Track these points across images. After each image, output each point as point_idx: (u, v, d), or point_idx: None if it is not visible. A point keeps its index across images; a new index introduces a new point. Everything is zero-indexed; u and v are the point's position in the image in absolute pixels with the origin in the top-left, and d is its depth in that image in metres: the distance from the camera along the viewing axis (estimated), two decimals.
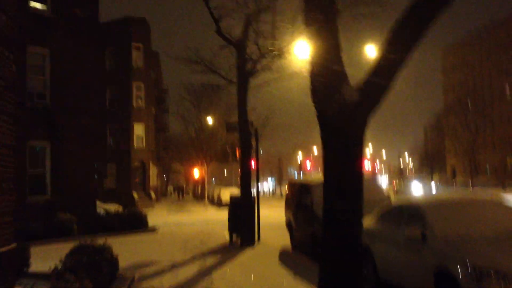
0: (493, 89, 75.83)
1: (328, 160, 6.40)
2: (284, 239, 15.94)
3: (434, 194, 13.15)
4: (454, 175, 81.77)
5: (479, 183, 62.13)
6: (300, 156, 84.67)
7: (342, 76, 6.44)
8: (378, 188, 14.53)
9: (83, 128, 20.28)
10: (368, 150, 77.52)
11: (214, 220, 28.76)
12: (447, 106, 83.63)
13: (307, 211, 13.51)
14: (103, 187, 42.91)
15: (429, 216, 8.02)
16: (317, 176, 15.50)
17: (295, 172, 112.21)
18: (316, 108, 6.63)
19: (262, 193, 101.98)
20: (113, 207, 29.70)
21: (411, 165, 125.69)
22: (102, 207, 28.35)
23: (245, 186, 15.77)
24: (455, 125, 73.32)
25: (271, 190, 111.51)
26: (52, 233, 18.06)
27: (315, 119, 6.31)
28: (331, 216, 6.09)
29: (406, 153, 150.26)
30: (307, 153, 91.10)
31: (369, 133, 6.68)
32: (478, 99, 76.60)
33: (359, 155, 6.31)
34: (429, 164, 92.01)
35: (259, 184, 17.97)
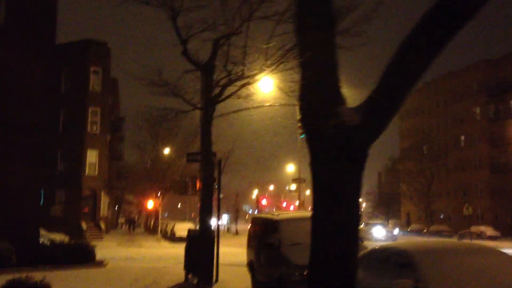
0: (449, 137, 77.33)
1: (319, 195, 5.41)
2: (244, 281, 14.61)
3: (423, 241, 12.02)
4: (408, 221, 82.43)
5: (434, 230, 62.38)
6: (255, 193, 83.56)
7: (339, 96, 5.52)
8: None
9: (29, 149, 18.60)
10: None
11: (167, 256, 27.14)
12: (403, 151, 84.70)
13: (273, 251, 12.33)
14: (50, 214, 40.66)
15: (424, 267, 6.98)
16: (283, 213, 14.38)
17: (250, 209, 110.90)
18: (306, 133, 5.67)
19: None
20: (59, 237, 28.31)
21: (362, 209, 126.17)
22: (47, 236, 26.88)
23: (205, 220, 14.47)
24: (411, 171, 74.02)
25: (226, 227, 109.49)
26: None
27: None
28: (322, 259, 5.06)
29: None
30: (263, 191, 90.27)
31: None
32: (433, 145, 77.94)
33: (357, 191, 5.35)
34: (384, 209, 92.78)
35: (216, 219, 16.75)
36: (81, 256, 18.90)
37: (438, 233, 58.64)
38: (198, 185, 17.20)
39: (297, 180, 36.06)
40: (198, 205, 18.85)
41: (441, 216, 76.58)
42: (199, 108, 14.55)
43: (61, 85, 44.15)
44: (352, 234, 5.16)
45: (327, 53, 5.46)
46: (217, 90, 14.15)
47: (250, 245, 14.84)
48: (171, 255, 27.64)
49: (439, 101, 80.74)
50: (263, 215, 15.89)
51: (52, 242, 24.62)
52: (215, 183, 14.84)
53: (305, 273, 5.63)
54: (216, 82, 14.19)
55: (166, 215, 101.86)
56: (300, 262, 9.83)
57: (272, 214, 13.81)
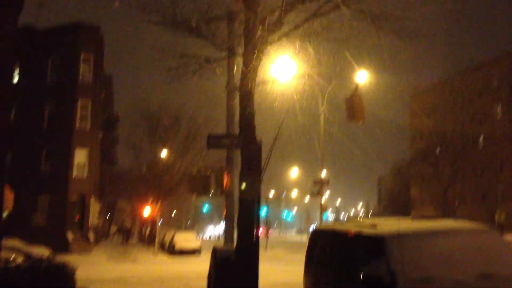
0: (466, 138, 72.27)
1: None
2: None
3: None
4: None
5: None
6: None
7: None
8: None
9: None
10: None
11: (169, 275, 21.74)
12: (414, 153, 79.85)
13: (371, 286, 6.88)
14: (31, 223, 35.31)
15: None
16: (383, 222, 8.28)
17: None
18: None
19: (210, 238, 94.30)
20: (39, 251, 23.57)
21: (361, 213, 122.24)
22: (22, 251, 21.62)
23: (246, 233, 9.02)
24: (424, 174, 69.06)
25: (220, 234, 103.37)
26: None
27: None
28: None
29: (361, 203, 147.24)
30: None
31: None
32: (449, 147, 72.86)
33: None
34: (394, 214, 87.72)
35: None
36: (54, 282, 13.32)
37: None
38: (225, 181, 11.83)
39: (320, 182, 30.74)
40: (224, 212, 13.56)
41: None
42: (236, 53, 9.16)
43: (47, 75, 38.82)
44: None
45: None
46: (271, 19, 8.74)
47: (313, 269, 9.30)
48: (174, 274, 22.29)
49: (455, 99, 75.77)
50: (341, 227, 9.59)
51: (30, 258, 19.66)
52: (261, 179, 9.37)
53: None
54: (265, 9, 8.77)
55: (160, 223, 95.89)
56: None
57: (359, 225, 8.22)
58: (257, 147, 9.26)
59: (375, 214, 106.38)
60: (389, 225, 7.25)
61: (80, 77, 38.86)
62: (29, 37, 38.67)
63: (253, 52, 8.76)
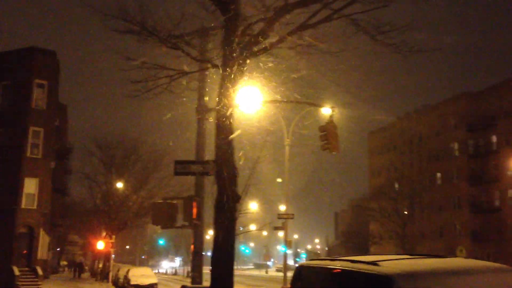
0: (424, 174, 73.06)
1: None
2: None
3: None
4: None
5: None
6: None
7: None
8: None
9: None
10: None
11: None
12: (373, 189, 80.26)
13: None
14: None
15: None
16: (387, 259, 6.66)
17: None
18: None
19: (166, 272, 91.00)
20: None
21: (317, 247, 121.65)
22: None
23: (224, 272, 7.87)
24: (382, 210, 69.04)
25: (174, 269, 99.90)
26: None
27: None
28: None
29: (317, 240, 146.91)
30: None
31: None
32: (407, 183, 73.42)
33: None
34: (350, 251, 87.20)
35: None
36: None
37: None
38: (195, 211, 10.72)
39: (284, 215, 29.76)
40: (191, 245, 12.32)
41: None
42: (215, 65, 8.21)
43: None
44: None
45: None
46: (256, 27, 7.84)
47: None
48: None
49: (412, 137, 76.95)
50: (333, 264, 7.62)
51: None
52: (238, 205, 8.28)
53: None
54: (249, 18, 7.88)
55: (113, 257, 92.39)
56: None
57: (355, 261, 6.91)
58: (234, 174, 8.21)
59: (332, 249, 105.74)
60: (393, 262, 6.23)
61: (33, 104, 37.04)
62: None
63: (232, 66, 7.83)
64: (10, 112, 36.41)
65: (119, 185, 43.39)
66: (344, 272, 6.51)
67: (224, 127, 8.14)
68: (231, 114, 8.14)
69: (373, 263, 6.14)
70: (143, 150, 42.53)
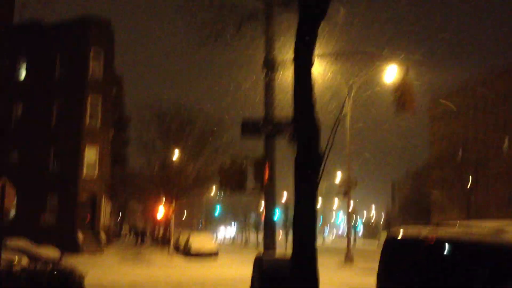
0: (489, 142, 69.69)
1: None
2: None
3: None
4: None
5: None
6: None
7: None
8: None
9: None
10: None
11: (188, 281, 20.04)
12: (434, 157, 77.26)
13: None
14: (40, 223, 33.98)
15: None
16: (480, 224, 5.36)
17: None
18: None
19: (224, 240, 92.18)
20: (48, 252, 23.33)
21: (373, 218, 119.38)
22: (31, 252, 21.01)
23: (306, 238, 7.05)
24: (445, 178, 66.45)
25: (231, 236, 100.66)
26: None
27: None
28: None
29: (373, 206, 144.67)
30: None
31: None
32: (471, 151, 70.26)
33: None
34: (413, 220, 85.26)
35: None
36: None
37: None
38: (266, 175, 10.06)
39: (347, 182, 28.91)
40: (263, 211, 11.75)
41: None
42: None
43: (55, 71, 37.37)
44: None
45: None
46: None
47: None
48: (193, 279, 20.65)
49: (477, 104, 73.49)
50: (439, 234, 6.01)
51: (35, 259, 18.36)
52: (321, 170, 7.35)
53: None
54: None
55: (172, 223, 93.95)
56: None
57: (467, 230, 5.35)
58: (316, 134, 7.27)
59: (390, 219, 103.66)
60: None
61: (90, 73, 37.37)
62: (36, 32, 37.35)
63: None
64: (68, 82, 36.95)
65: (176, 152, 43.49)
66: (453, 242, 5.25)
67: (304, 80, 7.23)
68: (312, 63, 7.24)
69: (497, 231, 4.77)
70: (200, 119, 42.08)
